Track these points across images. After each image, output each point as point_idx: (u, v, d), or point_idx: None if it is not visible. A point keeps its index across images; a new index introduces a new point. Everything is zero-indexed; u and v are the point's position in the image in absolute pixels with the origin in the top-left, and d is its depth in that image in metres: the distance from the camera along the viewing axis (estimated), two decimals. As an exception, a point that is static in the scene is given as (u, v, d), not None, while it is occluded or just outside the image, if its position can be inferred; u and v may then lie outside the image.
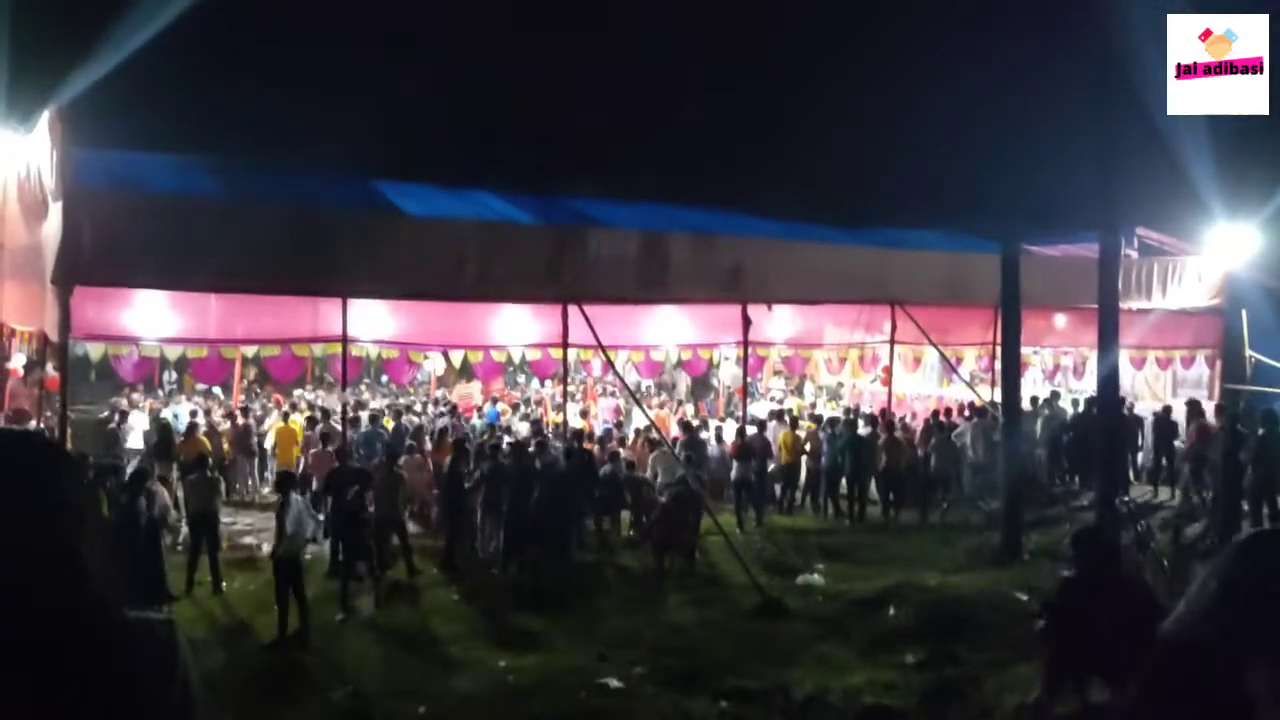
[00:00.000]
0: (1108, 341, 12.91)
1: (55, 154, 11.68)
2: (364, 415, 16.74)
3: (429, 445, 15.50)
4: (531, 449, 14.28)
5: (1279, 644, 1.47)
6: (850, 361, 20.03)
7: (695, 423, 18.39)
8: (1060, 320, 20.00)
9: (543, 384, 22.23)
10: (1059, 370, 21.22)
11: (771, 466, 16.81)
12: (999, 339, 15.77)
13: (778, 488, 17.11)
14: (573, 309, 14.69)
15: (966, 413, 18.11)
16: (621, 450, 16.00)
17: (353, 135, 16.92)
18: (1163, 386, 21.29)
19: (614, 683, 9.03)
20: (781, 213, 17.58)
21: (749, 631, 10.80)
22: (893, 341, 18.17)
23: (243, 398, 18.15)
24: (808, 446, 16.94)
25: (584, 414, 19.15)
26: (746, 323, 16.76)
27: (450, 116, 19.75)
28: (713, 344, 18.62)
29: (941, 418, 17.86)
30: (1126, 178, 13.89)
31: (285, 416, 16.01)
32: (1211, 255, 20.55)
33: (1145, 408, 19.26)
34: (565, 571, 12.92)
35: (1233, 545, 1.60)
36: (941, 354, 19.25)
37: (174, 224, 12.04)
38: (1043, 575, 12.05)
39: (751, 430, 16.69)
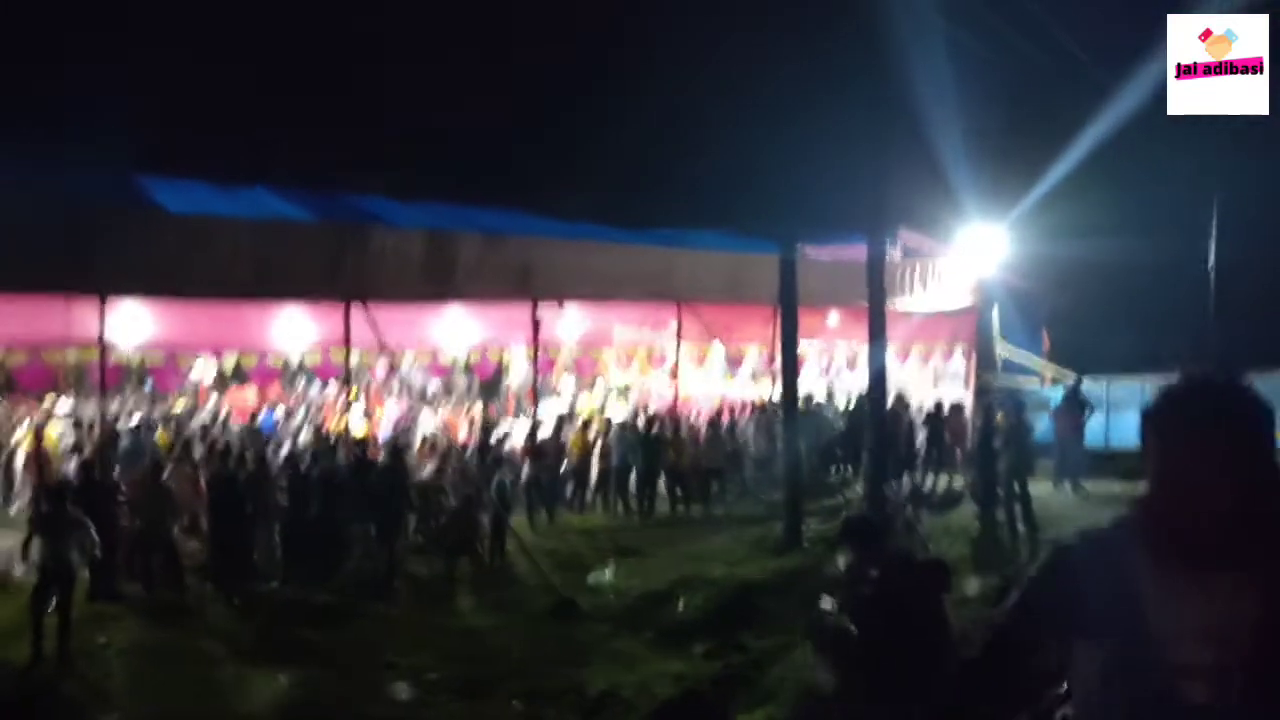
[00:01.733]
0: (877, 337, 13.68)
1: None
2: (127, 425, 15.57)
3: (199, 455, 14.57)
4: (310, 455, 13.72)
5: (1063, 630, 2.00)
6: (639, 359, 20.33)
7: (485, 425, 18.15)
8: (833, 318, 20.99)
9: (325, 386, 21.35)
10: (831, 365, 22.26)
11: (563, 467, 16.86)
12: (778, 336, 16.41)
13: (569, 487, 17.14)
14: (355, 309, 14.21)
15: (749, 408, 18.75)
16: (409, 455, 15.61)
17: (109, 124, 15.67)
18: (926, 379, 22.73)
19: (404, 692, 8.80)
20: (568, 213, 17.65)
21: (543, 632, 10.78)
22: (679, 339, 18.58)
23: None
24: (598, 446, 17.07)
25: (368, 416, 18.52)
26: (536, 322, 16.73)
27: (220, 107, 18.63)
28: (502, 344, 18.46)
29: (714, 414, 18.40)
30: (893, 181, 14.74)
31: (38, 430, 14.64)
32: (965, 256, 22.11)
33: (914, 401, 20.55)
34: (348, 580, 12.50)
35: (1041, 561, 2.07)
36: (725, 351, 19.85)
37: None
38: (822, 561, 12.65)
39: (545, 433, 16.65)
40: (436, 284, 15.12)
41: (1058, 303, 24.02)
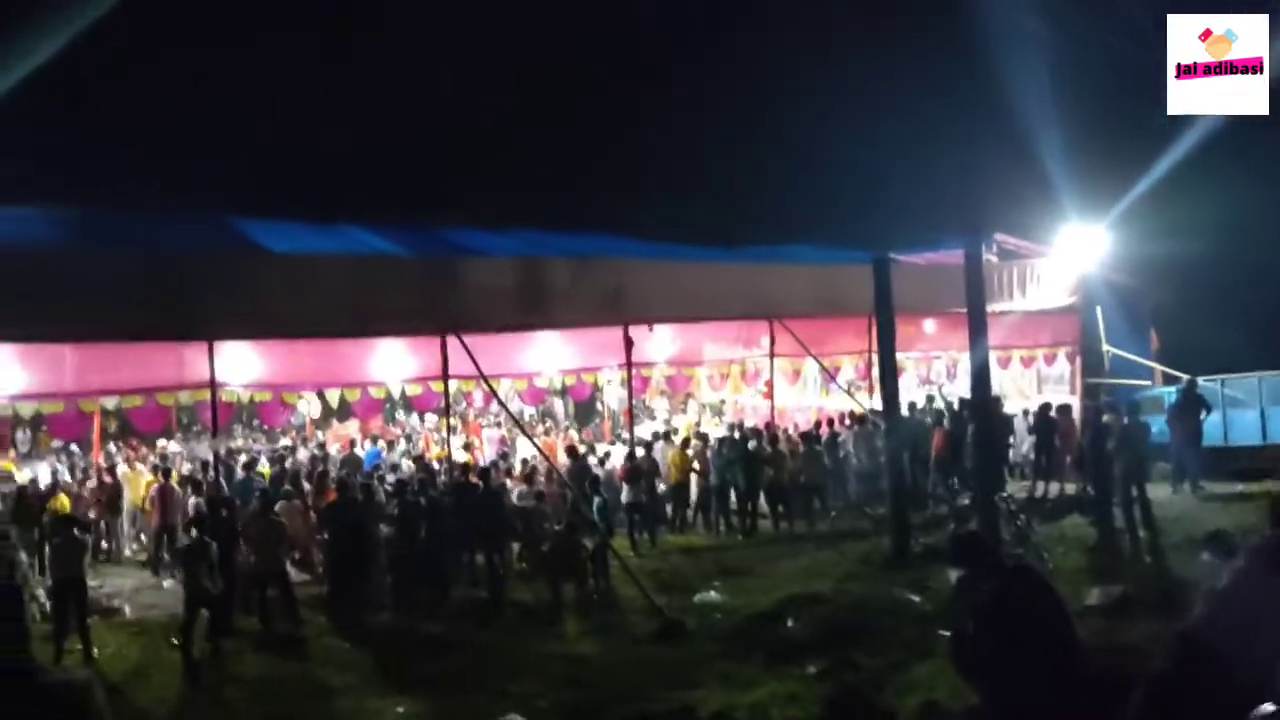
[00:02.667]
0: (977, 343, 13.36)
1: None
2: (239, 461, 16.07)
3: (308, 489, 14.96)
4: (415, 487, 13.93)
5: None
6: (732, 377, 20.23)
7: (582, 448, 18.25)
8: (929, 326, 20.61)
9: (423, 419, 21.76)
10: (930, 373, 21.85)
11: (661, 487, 16.83)
12: (874, 346, 16.12)
13: (669, 508, 17.10)
14: (452, 340, 14.43)
15: (847, 421, 18.46)
16: (508, 481, 15.78)
17: (204, 172, 16.23)
18: (1028, 384, 22.14)
19: (517, 719, 8.81)
20: (656, 234, 17.67)
21: (650, 655, 10.71)
22: (772, 355, 18.42)
23: (104, 453, 17.21)
24: (696, 465, 17.00)
25: (467, 447, 18.80)
26: (629, 344, 16.78)
27: (308, 149, 19.15)
28: (596, 367, 18.54)
29: (812, 429, 18.16)
30: (987, 185, 14.44)
31: (161, 471, 15.18)
32: (1065, 256, 21.49)
33: (1014, 406, 20.00)
34: (456, 609, 12.63)
35: (1248, 548, 1.83)
36: (820, 365, 19.62)
37: (14, 275, 11.34)
38: (932, 576, 12.36)
39: (640, 452, 16.65)
40: (529, 311, 15.27)
41: (1162, 301, 23.20)
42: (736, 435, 17.37)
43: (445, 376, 14.86)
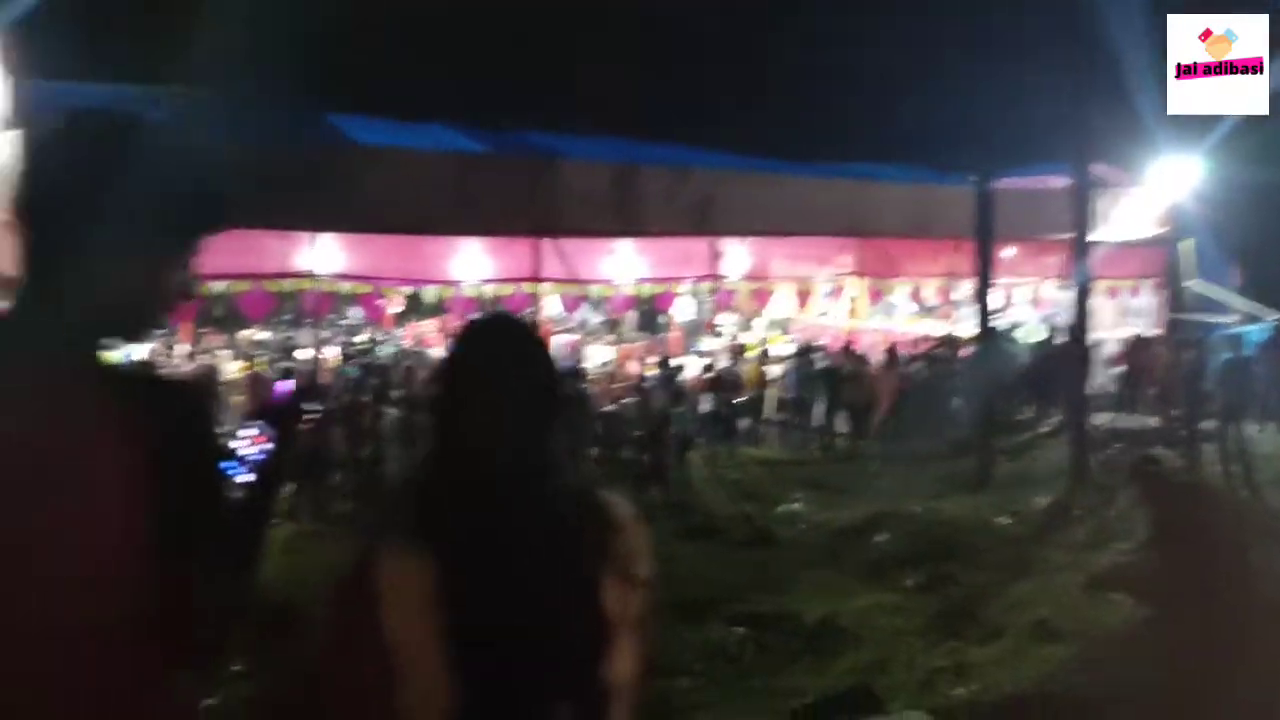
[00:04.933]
0: (1081, 272, 13.18)
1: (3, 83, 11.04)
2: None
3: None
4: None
5: None
6: (814, 295, 20.13)
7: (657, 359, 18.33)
8: (1012, 252, 20.30)
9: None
10: (1011, 301, 21.59)
11: (739, 399, 16.94)
12: (962, 271, 15.94)
13: (745, 421, 17.21)
14: (546, 242, 14.49)
15: (929, 344, 18.38)
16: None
17: (300, 65, 16.25)
18: (1110, 315, 21.82)
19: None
20: (750, 147, 17.53)
21: (743, 560, 10.90)
22: (857, 274, 18.32)
23: (195, 336, 17.56)
24: (774, 379, 17.07)
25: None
26: (715, 256, 16.78)
27: (399, 45, 19.07)
28: (676, 278, 18.52)
29: (892, 349, 18.09)
30: (1091, 108, 14.06)
31: (252, 358, 15.55)
32: (1156, 186, 20.98)
33: (1095, 337, 19.74)
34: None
35: None
36: (902, 287, 19.49)
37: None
38: (1017, 500, 12.45)
39: (721, 364, 16.75)
40: (621, 218, 15.26)
41: (1250, 236, 22.63)
42: (817, 353, 17.38)
43: (537, 279, 14.95)
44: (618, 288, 17.58)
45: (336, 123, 15.62)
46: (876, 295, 19.66)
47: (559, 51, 20.20)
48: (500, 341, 1.99)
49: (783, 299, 21.27)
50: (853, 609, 8.99)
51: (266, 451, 1.91)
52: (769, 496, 13.50)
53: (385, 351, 17.79)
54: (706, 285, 18.30)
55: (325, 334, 17.43)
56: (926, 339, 18.41)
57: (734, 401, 16.53)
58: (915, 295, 19.49)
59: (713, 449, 15.68)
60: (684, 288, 19.37)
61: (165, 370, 10.89)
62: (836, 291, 19.77)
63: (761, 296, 20.51)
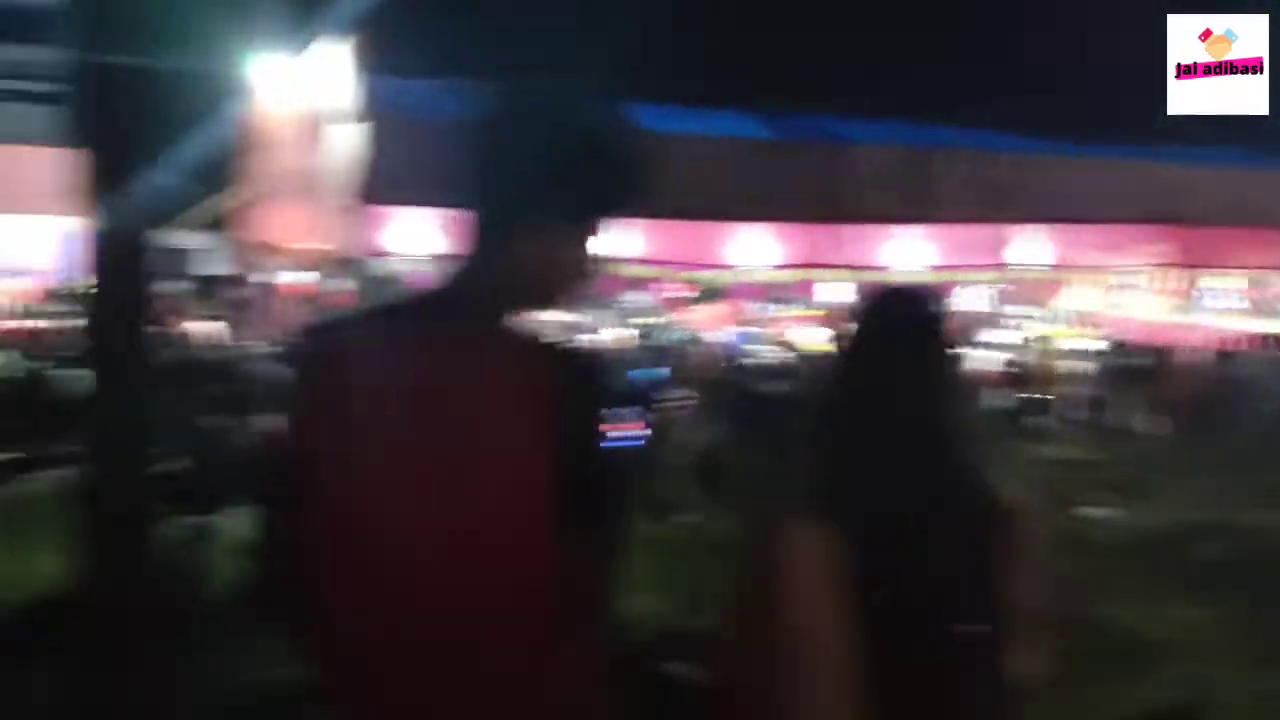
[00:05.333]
0: None
1: (351, 80, 12.18)
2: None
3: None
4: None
5: None
6: (1116, 286, 18.92)
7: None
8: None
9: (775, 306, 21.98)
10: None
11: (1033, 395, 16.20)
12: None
13: (1042, 417, 16.43)
14: (837, 229, 14.43)
15: (1253, 342, 16.88)
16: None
17: (600, 57, 16.91)
18: None
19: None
20: (1046, 129, 16.67)
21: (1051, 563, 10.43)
22: (1168, 265, 17.06)
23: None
24: (1073, 375, 16.21)
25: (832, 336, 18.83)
26: (1006, 244, 16.13)
27: (688, 32, 19.48)
28: (962, 266, 17.93)
29: (1208, 346, 16.74)
30: None
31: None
32: None
33: None
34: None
35: None
36: (1218, 280, 18.00)
37: (446, 147, 12.37)
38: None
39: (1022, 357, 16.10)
40: (913, 204, 14.95)
41: None
42: (1120, 348, 16.35)
43: (822, 265, 14.92)
44: (897, 275, 17.23)
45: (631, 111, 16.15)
46: (1188, 287, 18.22)
47: (848, 35, 19.96)
48: (916, 310, 2.00)
49: (1078, 290, 20.15)
50: (1172, 621, 8.46)
51: (640, 437, 2.02)
52: (1066, 497, 12.85)
53: (673, 337, 18.26)
54: (993, 274, 17.57)
55: (613, 316, 18.09)
56: (1248, 336, 16.86)
57: (1031, 397, 15.82)
58: (1234, 289, 17.87)
59: (1008, 445, 15.08)
60: (970, 276, 18.75)
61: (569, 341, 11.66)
62: (1142, 282, 18.46)
63: (1053, 287, 19.58)
